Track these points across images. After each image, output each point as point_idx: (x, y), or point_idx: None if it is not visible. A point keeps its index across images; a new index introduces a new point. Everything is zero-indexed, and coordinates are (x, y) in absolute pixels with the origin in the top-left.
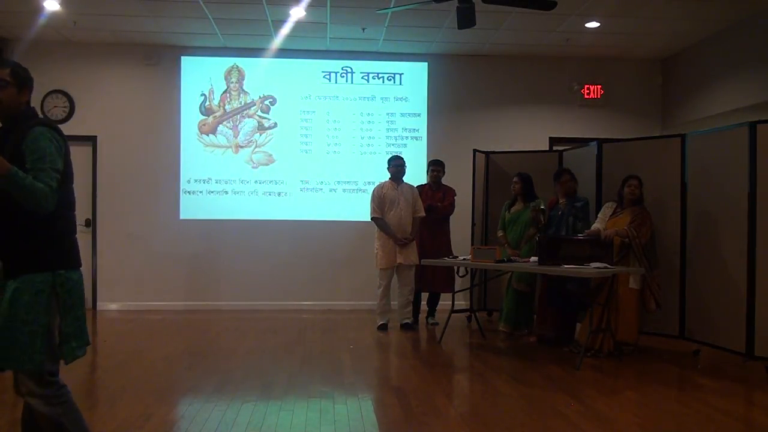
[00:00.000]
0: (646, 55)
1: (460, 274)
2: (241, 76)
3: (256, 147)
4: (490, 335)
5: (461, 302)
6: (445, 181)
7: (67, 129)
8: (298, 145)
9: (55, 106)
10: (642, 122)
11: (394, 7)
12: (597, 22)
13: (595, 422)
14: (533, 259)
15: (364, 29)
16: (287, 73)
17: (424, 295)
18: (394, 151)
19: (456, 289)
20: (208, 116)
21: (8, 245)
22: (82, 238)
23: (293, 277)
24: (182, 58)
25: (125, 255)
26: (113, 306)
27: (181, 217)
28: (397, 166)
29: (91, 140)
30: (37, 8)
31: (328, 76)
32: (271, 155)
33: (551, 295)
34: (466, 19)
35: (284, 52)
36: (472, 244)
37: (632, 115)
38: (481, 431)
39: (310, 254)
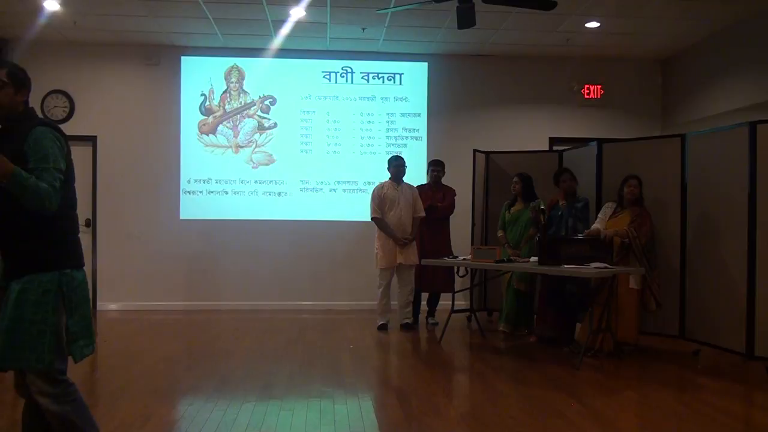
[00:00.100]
0: (646, 55)
1: (460, 274)
2: (241, 76)
3: (256, 147)
4: (490, 335)
5: (461, 302)
6: (445, 181)
7: (67, 129)
8: (298, 145)
9: (55, 106)
10: (642, 122)
11: (394, 7)
12: (597, 22)
13: (595, 422)
14: (533, 259)
15: (364, 29)
16: (287, 73)
17: (424, 295)
18: (394, 151)
19: (456, 289)
20: (208, 116)
21: (13, 245)
22: (82, 238)
23: (293, 277)
24: (182, 58)
25: (125, 255)
26: (113, 306)
27: (181, 217)
28: (397, 166)
29: (91, 140)
30: (37, 8)
31: (328, 76)
32: (271, 155)
33: (551, 295)
34: (466, 19)
35: (284, 52)
36: (472, 244)
37: (632, 115)
38: (481, 431)
39: (310, 254)
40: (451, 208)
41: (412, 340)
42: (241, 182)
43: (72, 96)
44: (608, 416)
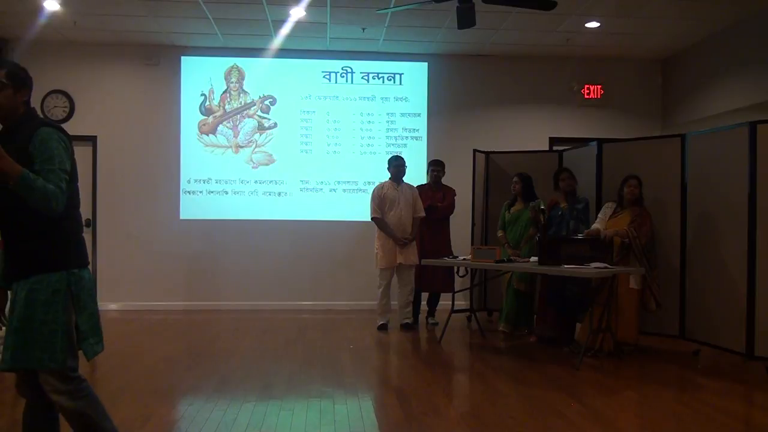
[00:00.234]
0: (646, 55)
1: (460, 274)
2: (241, 76)
3: (256, 147)
4: (490, 335)
5: (461, 302)
6: (445, 181)
7: (67, 129)
8: (298, 145)
9: (55, 106)
10: (642, 122)
11: (394, 7)
12: (597, 22)
13: (595, 422)
14: (533, 259)
15: (364, 29)
16: (287, 73)
17: (424, 295)
18: (394, 151)
19: (456, 289)
20: (208, 116)
21: (19, 246)
22: None
23: (293, 277)
24: (182, 58)
25: (125, 255)
26: (113, 306)
27: (181, 217)
28: (397, 166)
29: (91, 140)
30: (37, 8)
31: (328, 76)
32: (271, 155)
33: (551, 295)
34: (466, 19)
35: (284, 52)
36: (472, 244)
37: (632, 115)
38: (481, 431)
39: (310, 254)
40: (451, 208)
41: (412, 340)
42: (241, 182)
43: (72, 96)
44: (608, 416)
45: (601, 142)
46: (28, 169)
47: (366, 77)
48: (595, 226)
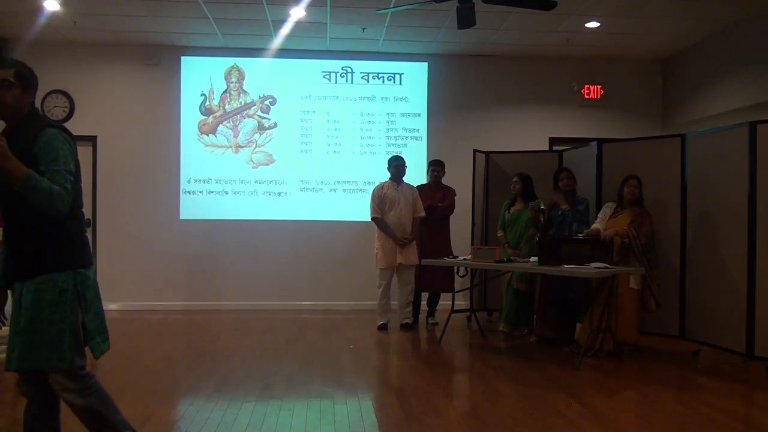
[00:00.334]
0: (646, 55)
1: (460, 274)
2: (241, 76)
3: (256, 147)
4: (490, 335)
5: (461, 302)
6: (445, 181)
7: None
8: (298, 145)
9: (55, 106)
10: (642, 122)
11: (394, 7)
12: (597, 22)
13: (595, 422)
14: (533, 259)
15: (364, 29)
16: (287, 73)
17: (424, 295)
18: (394, 151)
19: (456, 289)
20: (208, 116)
21: (25, 246)
22: None
23: (293, 277)
24: (182, 58)
25: (125, 255)
26: (113, 306)
27: (181, 217)
28: (397, 166)
29: (91, 140)
30: (37, 8)
31: (328, 76)
32: (271, 155)
33: (551, 295)
34: (466, 19)
35: (284, 52)
36: (472, 244)
37: (632, 115)
38: (481, 431)
39: (310, 254)
40: (451, 208)
41: (412, 340)
42: (241, 182)
43: (72, 96)
44: (608, 416)
45: (601, 142)
46: (32, 170)
47: (366, 77)
48: (595, 226)
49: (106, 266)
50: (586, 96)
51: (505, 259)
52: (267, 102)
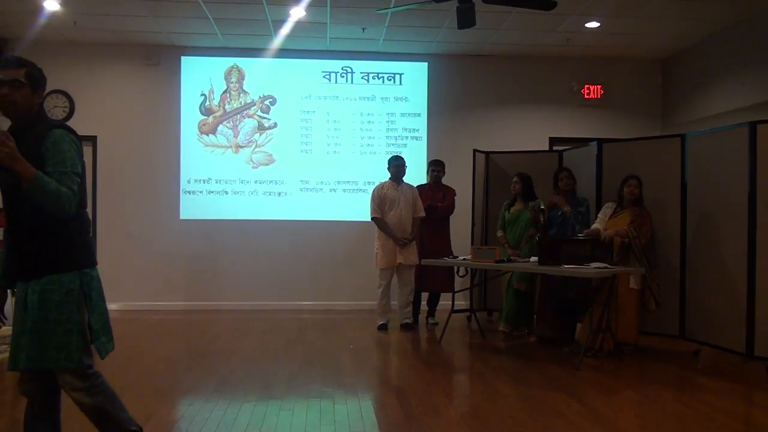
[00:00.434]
0: (646, 55)
1: (460, 274)
2: (241, 76)
3: (256, 147)
4: (490, 335)
5: (461, 302)
6: (445, 181)
7: None
8: (298, 145)
9: (55, 106)
10: (642, 122)
11: (394, 7)
12: (597, 22)
13: (595, 422)
14: (533, 259)
15: (364, 29)
16: (287, 73)
17: (424, 295)
18: (394, 151)
19: (456, 289)
20: (208, 116)
21: (30, 247)
22: None
23: (293, 277)
24: (182, 58)
25: (125, 255)
26: (113, 306)
27: (181, 217)
28: (397, 166)
29: (91, 140)
30: (37, 8)
31: (328, 76)
32: (271, 155)
33: (551, 296)
34: (466, 19)
35: (284, 52)
36: (472, 244)
37: (632, 115)
38: (481, 431)
39: (310, 254)
40: (451, 208)
41: (412, 340)
42: (241, 182)
43: (72, 96)
44: (608, 416)
45: (601, 142)
46: (39, 171)
47: (366, 77)
48: (595, 226)
49: (107, 266)
50: (586, 96)
51: (505, 259)
52: (267, 102)
